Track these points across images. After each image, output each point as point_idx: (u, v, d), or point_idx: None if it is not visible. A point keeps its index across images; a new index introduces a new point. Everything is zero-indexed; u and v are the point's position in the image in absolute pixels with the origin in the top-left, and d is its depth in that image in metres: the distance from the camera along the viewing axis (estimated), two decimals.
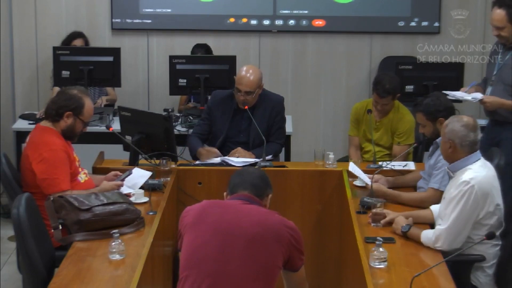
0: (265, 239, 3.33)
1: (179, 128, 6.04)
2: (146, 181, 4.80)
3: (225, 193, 3.60)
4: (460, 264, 4.09)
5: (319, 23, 7.10)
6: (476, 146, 4.17)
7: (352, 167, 4.96)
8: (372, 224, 4.33)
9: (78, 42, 6.69)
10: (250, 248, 3.31)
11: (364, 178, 4.86)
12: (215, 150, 5.41)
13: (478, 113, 6.71)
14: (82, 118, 4.63)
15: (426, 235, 4.08)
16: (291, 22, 7.08)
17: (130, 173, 4.82)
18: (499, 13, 5.35)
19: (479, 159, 4.17)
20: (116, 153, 5.40)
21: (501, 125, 5.43)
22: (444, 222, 4.06)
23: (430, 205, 4.47)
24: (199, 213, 3.45)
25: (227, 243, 3.33)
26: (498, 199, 4.14)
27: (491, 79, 5.52)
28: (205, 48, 6.76)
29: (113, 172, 4.85)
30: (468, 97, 5.45)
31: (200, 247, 3.35)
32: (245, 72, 5.47)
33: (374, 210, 4.36)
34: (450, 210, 4.05)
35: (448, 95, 5.16)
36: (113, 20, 7.05)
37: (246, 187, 3.52)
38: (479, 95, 5.43)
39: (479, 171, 4.09)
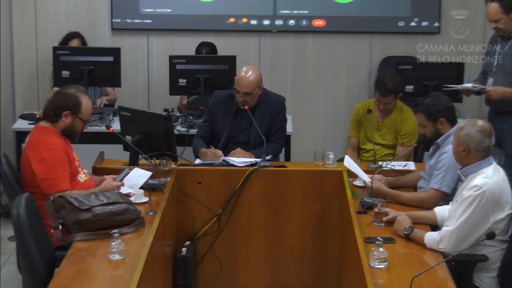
0: None
1: (179, 128, 6.03)
2: (146, 181, 4.80)
3: None
4: (462, 265, 4.09)
5: (319, 23, 7.09)
6: (490, 151, 4.15)
7: (347, 161, 4.93)
8: (375, 224, 4.33)
9: (74, 43, 6.66)
10: None
11: (359, 173, 4.85)
12: (221, 153, 5.35)
13: (478, 113, 6.72)
14: (80, 116, 4.62)
15: (430, 236, 4.06)
16: (291, 22, 7.08)
17: (127, 172, 4.81)
18: (493, 6, 5.49)
19: (491, 164, 4.14)
20: (116, 153, 5.40)
21: (502, 115, 5.46)
22: (452, 224, 4.05)
23: (431, 205, 4.47)
24: None
25: None
26: (510, 206, 4.09)
27: (491, 70, 5.59)
28: (211, 46, 6.75)
29: (111, 176, 4.81)
30: (469, 84, 5.54)
31: None
32: (244, 73, 5.45)
33: (376, 209, 4.35)
34: (459, 213, 4.03)
35: (449, 87, 5.21)
36: (113, 20, 7.05)
37: None
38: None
39: (491, 176, 4.07)
